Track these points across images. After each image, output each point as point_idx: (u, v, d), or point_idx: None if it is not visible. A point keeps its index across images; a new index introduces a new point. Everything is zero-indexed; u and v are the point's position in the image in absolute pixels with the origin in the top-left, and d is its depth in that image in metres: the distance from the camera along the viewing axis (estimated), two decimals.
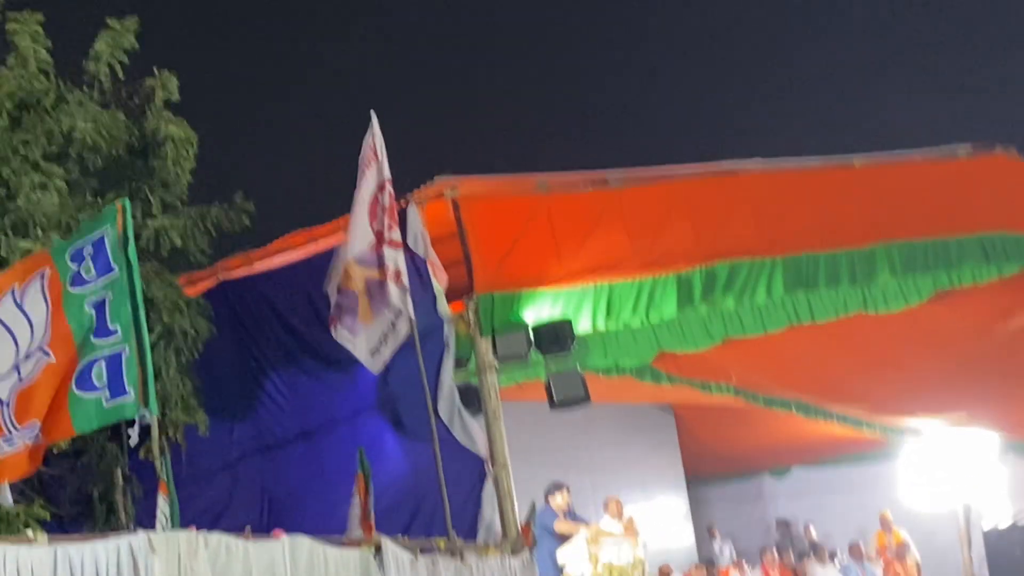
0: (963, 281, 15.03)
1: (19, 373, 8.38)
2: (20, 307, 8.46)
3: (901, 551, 21.20)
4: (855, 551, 21.00)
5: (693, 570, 18.41)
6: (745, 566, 19.58)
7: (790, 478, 25.08)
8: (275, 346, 12.96)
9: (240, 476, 12.80)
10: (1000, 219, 14.89)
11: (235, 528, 8.34)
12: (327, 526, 10.29)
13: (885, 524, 21.57)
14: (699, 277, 13.65)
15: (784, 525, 23.90)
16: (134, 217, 9.79)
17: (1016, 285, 15.75)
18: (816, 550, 20.79)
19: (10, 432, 8.38)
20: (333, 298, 11.35)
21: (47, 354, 8.38)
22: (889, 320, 15.71)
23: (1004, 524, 22.55)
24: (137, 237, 10.05)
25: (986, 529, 22.65)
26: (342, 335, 11.30)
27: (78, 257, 8.52)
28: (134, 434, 10.05)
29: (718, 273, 13.72)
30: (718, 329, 15.62)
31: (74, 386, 8.33)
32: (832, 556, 20.86)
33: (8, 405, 8.38)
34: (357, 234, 11.24)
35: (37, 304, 8.48)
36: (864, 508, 23.39)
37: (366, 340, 11.30)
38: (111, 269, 8.36)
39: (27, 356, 8.38)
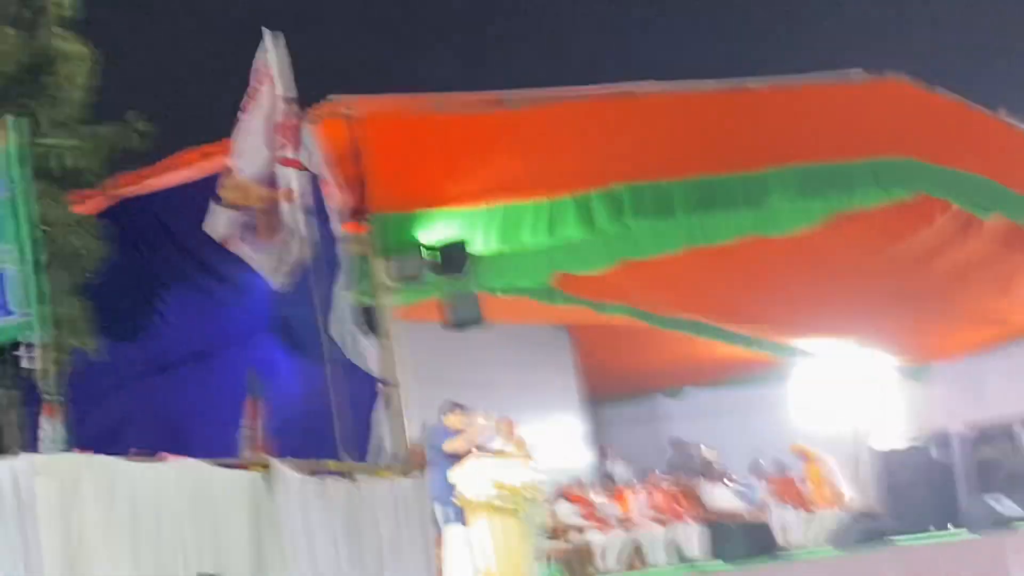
0: (855, 205, 15.19)
1: None
2: None
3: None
4: (757, 470, 21.24)
5: (574, 488, 18.62)
6: (639, 487, 19.79)
7: (684, 399, 25.34)
8: (169, 266, 12.82)
9: (132, 398, 12.70)
10: (892, 144, 15.02)
11: (126, 450, 8.28)
12: (219, 448, 10.24)
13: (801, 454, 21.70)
14: (597, 199, 13.67)
15: (678, 445, 24.14)
16: (24, 136, 9.61)
17: (907, 210, 15.95)
18: (708, 469, 21.03)
19: None
20: (227, 216, 11.23)
21: None
22: (782, 242, 15.88)
23: (896, 446, 22.98)
24: (29, 156, 9.88)
25: (878, 450, 23.08)
26: (244, 252, 11.21)
27: None
28: (22, 356, 9.91)
29: (616, 195, 13.75)
30: (614, 251, 15.67)
31: None
32: (724, 476, 21.11)
33: None
34: (251, 152, 11.13)
35: None
36: (757, 430, 23.72)
37: (267, 258, 11.23)
38: None
39: None
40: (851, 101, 15.17)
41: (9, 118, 8.39)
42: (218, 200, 11.12)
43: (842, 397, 22.72)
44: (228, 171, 11.17)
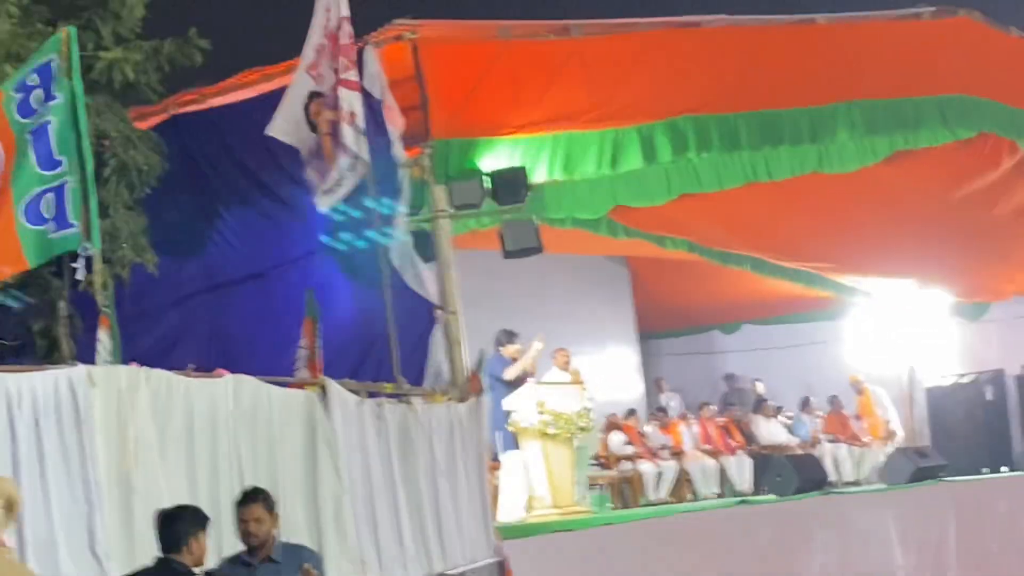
0: (920, 143, 15.01)
1: None
2: None
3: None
4: (808, 405, 21.20)
5: (626, 418, 18.64)
6: (691, 419, 19.79)
7: (740, 334, 25.23)
8: (228, 184, 12.82)
9: (188, 314, 12.75)
10: (960, 82, 14.82)
11: (181, 366, 8.32)
12: (276, 367, 10.28)
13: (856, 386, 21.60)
14: (661, 131, 13.55)
15: (732, 380, 24.09)
16: (86, 49, 9.61)
17: (972, 149, 15.75)
18: (760, 405, 20.98)
19: None
20: (299, 138, 11.22)
21: None
22: (844, 179, 15.72)
23: (948, 385, 22.83)
24: (89, 69, 9.89)
25: (930, 389, 22.94)
26: (311, 175, 11.23)
27: (23, 87, 8.36)
28: (79, 268, 9.97)
29: (680, 128, 13.63)
30: (676, 184, 15.53)
31: (24, 218, 8.23)
32: (777, 411, 21.06)
33: None
34: (321, 74, 11.11)
35: None
36: (811, 366, 23.62)
37: (329, 181, 11.21)
38: (56, 98, 8.22)
39: None
40: (919, 37, 14.97)
41: (66, 28, 8.37)
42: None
43: (897, 335, 22.58)
44: (320, 95, 11.09)
